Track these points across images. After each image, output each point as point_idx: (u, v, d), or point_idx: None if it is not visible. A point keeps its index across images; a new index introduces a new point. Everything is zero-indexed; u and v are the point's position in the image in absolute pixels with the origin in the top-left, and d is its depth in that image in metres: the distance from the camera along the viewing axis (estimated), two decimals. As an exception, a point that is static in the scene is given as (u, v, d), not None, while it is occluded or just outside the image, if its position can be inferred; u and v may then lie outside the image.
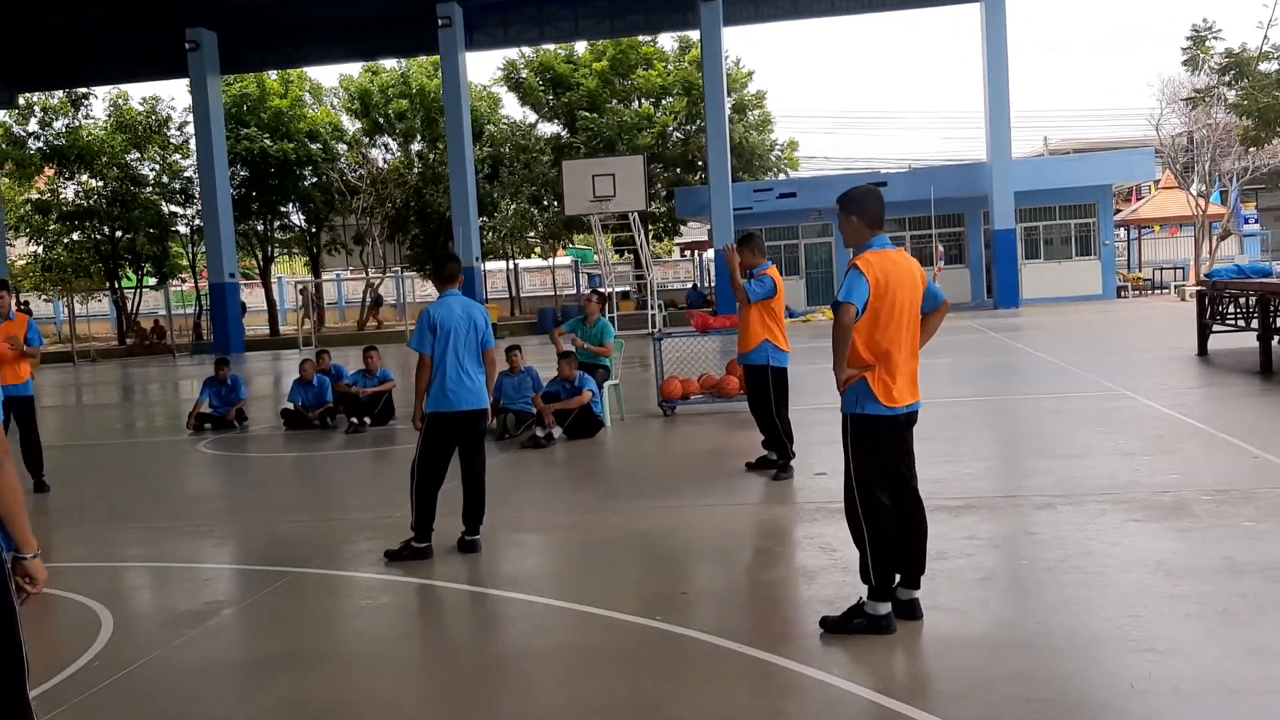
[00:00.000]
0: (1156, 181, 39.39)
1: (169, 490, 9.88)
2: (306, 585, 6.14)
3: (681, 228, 43.78)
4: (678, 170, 39.20)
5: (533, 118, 40.74)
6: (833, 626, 4.69)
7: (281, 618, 5.55)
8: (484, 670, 4.62)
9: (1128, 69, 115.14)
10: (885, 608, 4.67)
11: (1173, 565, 5.36)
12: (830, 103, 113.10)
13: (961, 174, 33.84)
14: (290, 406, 13.52)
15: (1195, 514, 6.31)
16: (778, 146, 41.63)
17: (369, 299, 41.93)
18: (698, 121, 36.69)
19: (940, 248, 31.32)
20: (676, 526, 7.02)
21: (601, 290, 18.54)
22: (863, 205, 4.78)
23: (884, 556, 4.69)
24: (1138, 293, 34.36)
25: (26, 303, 41.25)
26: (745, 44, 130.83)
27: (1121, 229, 39.86)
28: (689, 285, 45.85)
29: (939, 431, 10.08)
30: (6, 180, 38.76)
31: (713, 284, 33.29)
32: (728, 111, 33.01)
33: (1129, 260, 42.15)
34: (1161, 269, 37.49)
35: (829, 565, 5.77)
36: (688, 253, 50.97)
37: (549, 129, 40.50)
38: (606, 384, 11.85)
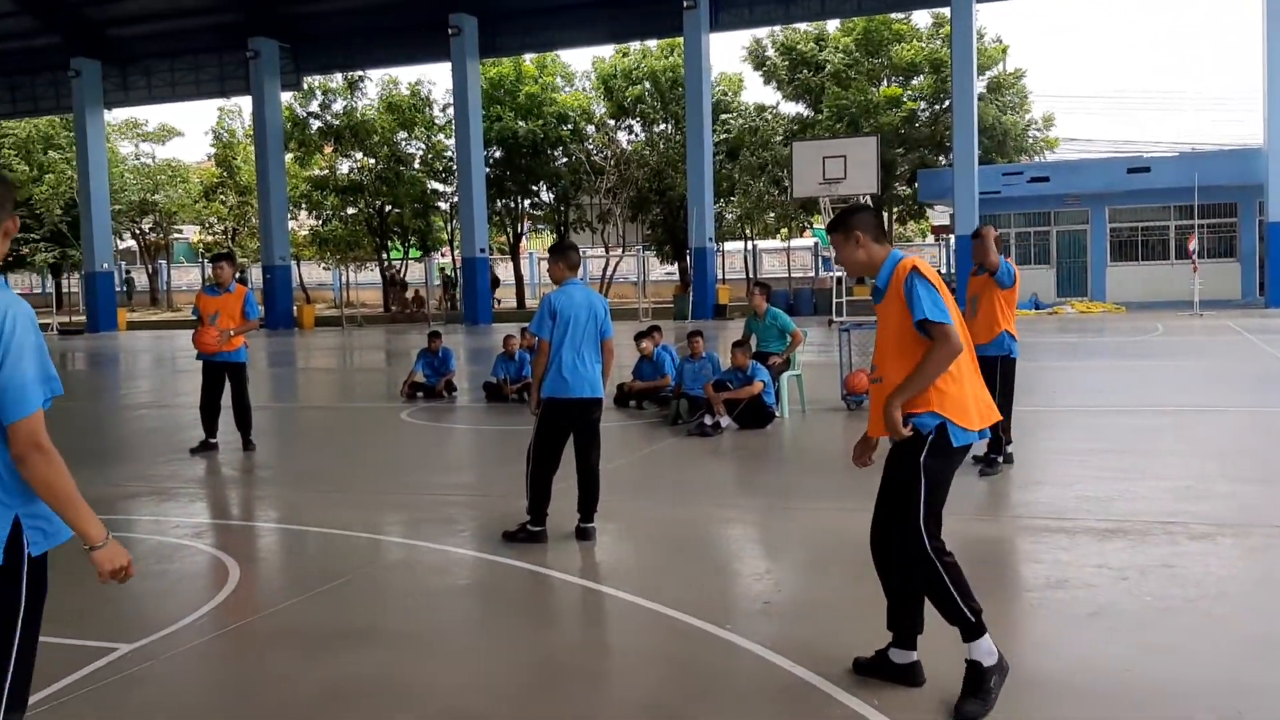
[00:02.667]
0: None
1: (358, 455, 10.51)
2: (420, 560, 6.37)
3: (928, 211, 42.26)
4: (925, 152, 37.83)
5: (776, 97, 40.42)
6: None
7: (380, 591, 5.79)
8: (536, 664, 4.65)
9: None
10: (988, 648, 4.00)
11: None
12: (1094, 83, 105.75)
13: (1234, 160, 30.90)
14: (493, 380, 14.08)
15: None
16: (1034, 126, 39.33)
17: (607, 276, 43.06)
18: (946, 101, 35.24)
19: (1194, 239, 28.68)
20: (811, 530, 6.80)
21: (764, 281, 18.25)
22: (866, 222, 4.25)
23: (965, 587, 4.06)
24: None
25: (243, 274, 45.00)
26: (1006, 21, 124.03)
27: None
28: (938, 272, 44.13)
29: (1135, 443, 9.32)
30: (290, 159, 42.18)
31: (953, 270, 31.95)
32: (979, 90, 31.51)
33: None
34: None
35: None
36: (936, 237, 49.09)
37: (792, 109, 40.05)
38: (786, 374, 11.63)
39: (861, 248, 4.17)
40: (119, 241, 50.52)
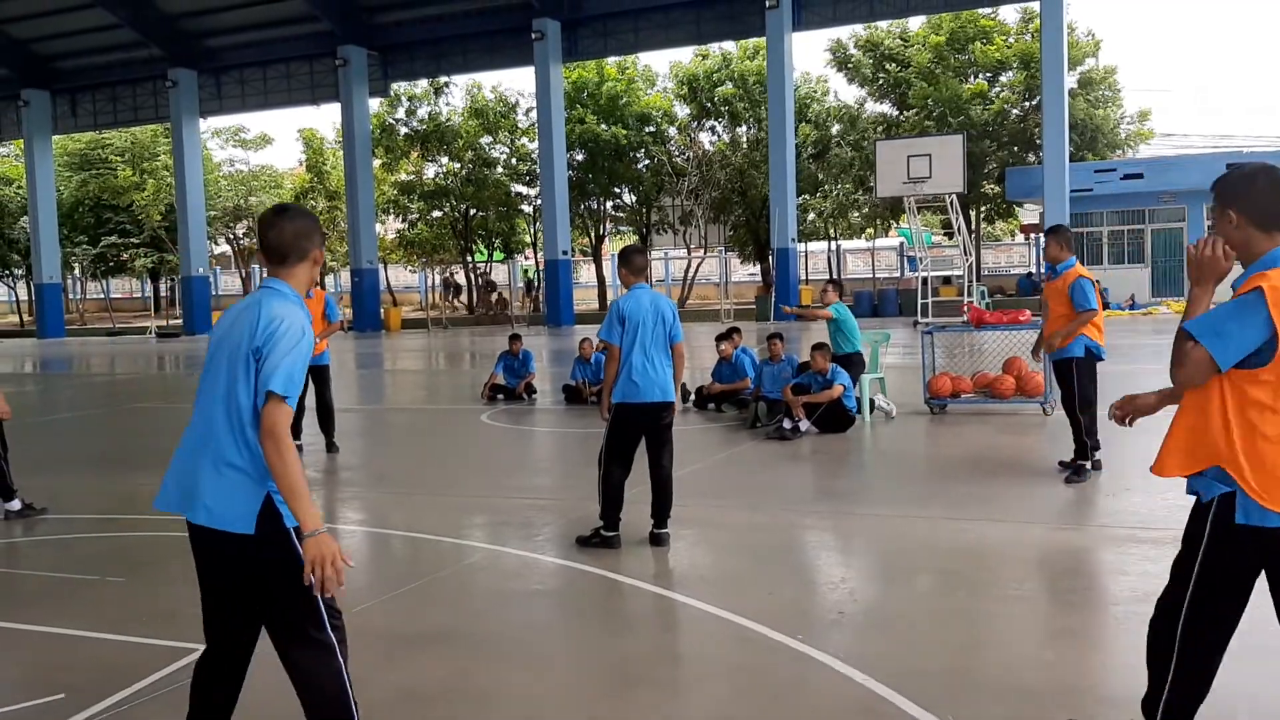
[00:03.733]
0: None
1: (439, 458, 10.64)
2: (498, 563, 6.41)
3: (1017, 209, 41.37)
4: (1015, 149, 37.05)
5: (860, 96, 39.94)
6: None
7: (458, 594, 5.83)
8: (607, 671, 4.63)
9: None
10: None
11: None
12: (1189, 76, 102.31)
13: (1343, 153, 29.68)
14: (572, 383, 14.14)
15: None
16: (1126, 120, 38.25)
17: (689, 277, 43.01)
18: (1036, 98, 34.48)
19: None
20: (889, 538, 6.68)
21: (836, 279, 18.04)
22: (1254, 196, 3.12)
23: (1189, 694, 3.29)
24: None
25: (323, 280, 45.84)
26: (1098, 14, 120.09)
27: None
28: (1025, 272, 43.22)
29: None
30: (378, 164, 42.95)
31: (1042, 270, 31.18)
32: (1070, 85, 30.76)
33: None
34: None
35: (1057, 609, 5.28)
36: (1025, 236, 48.03)
37: (876, 108, 39.55)
38: (866, 377, 11.46)
39: (1238, 229, 3.14)
40: (214, 246, 51.95)
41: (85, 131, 47.27)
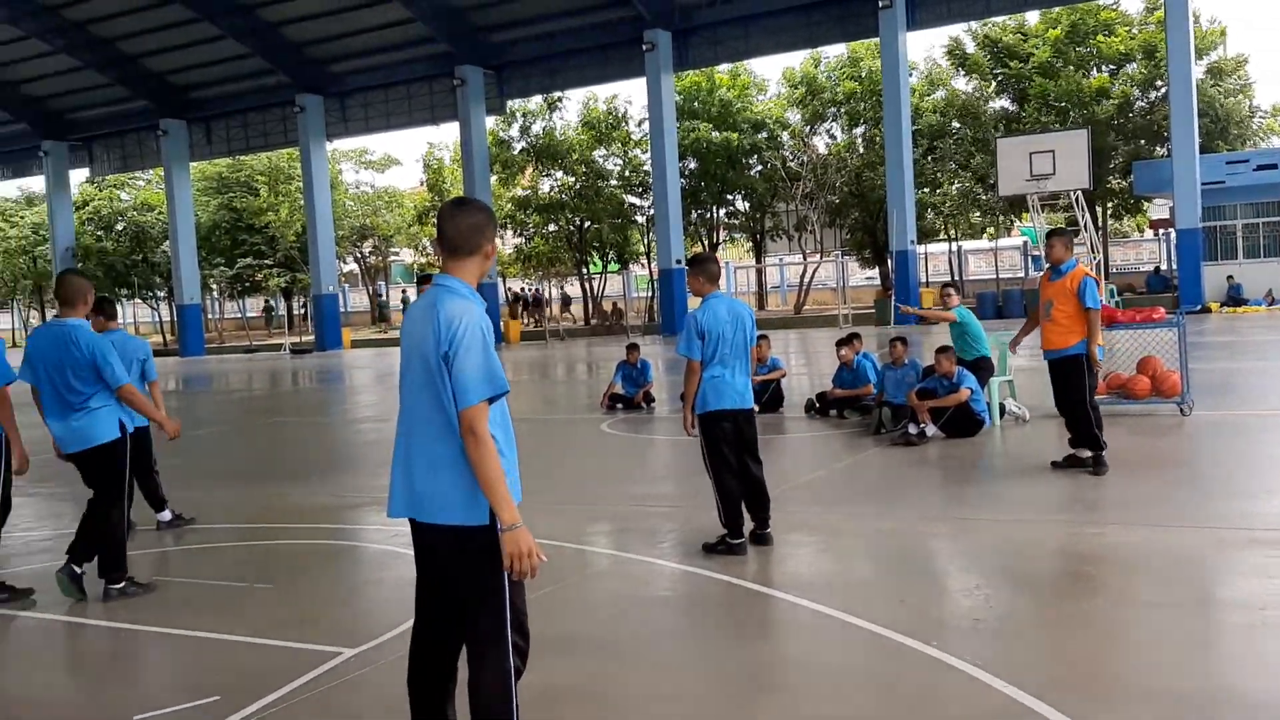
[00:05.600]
0: None
1: (561, 466, 10.76)
2: (623, 570, 6.47)
3: (1146, 204, 39.88)
4: (1141, 142, 35.74)
5: (977, 90, 39.00)
6: None
7: (584, 600, 5.90)
8: (741, 676, 4.63)
9: None
10: None
11: None
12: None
13: None
14: (691, 391, 14.15)
15: None
16: (1260, 113, 36.55)
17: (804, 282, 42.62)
18: (1162, 89, 33.21)
19: None
20: (1022, 544, 6.50)
21: (955, 281, 17.64)
22: None
23: None
24: None
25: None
26: (1224, 2, 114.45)
27: None
28: (1154, 268, 41.66)
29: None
30: (495, 180, 43.74)
31: (1174, 266, 30.05)
32: (1198, 75, 29.54)
33: None
34: None
35: (1188, 615, 5.10)
36: (1155, 231, 46.28)
37: (995, 104, 38.61)
38: (995, 380, 11.20)
39: None
40: (342, 265, 53.64)
41: (219, 158, 49.35)
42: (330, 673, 4.85)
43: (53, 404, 6.30)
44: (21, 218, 58.87)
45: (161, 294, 55.39)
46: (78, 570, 6.28)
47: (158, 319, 59.07)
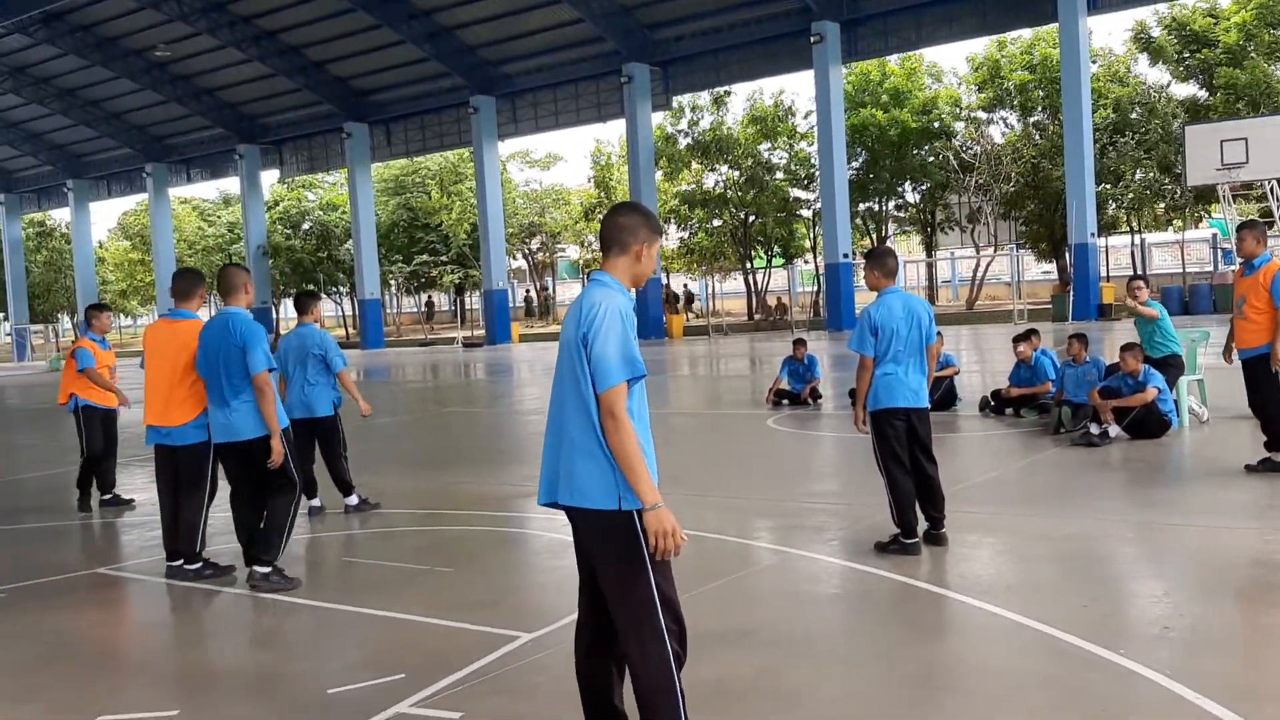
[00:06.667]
0: None
1: (727, 461, 10.79)
2: (792, 566, 6.44)
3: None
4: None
5: (1165, 79, 36.99)
6: None
7: (755, 595, 5.91)
8: (913, 678, 4.56)
9: None
10: None
11: None
12: None
13: None
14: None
15: None
16: None
17: (981, 281, 41.30)
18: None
19: None
20: (1212, 550, 6.19)
21: (1143, 275, 16.76)
22: None
23: None
24: None
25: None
26: None
27: None
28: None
29: None
30: (660, 176, 44.07)
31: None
32: None
33: None
34: None
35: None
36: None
37: (1184, 90, 36.54)
38: (1184, 379, 10.64)
39: None
40: (511, 261, 55.04)
41: (398, 159, 51.40)
42: (510, 654, 5.01)
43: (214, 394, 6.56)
44: (219, 218, 62.67)
45: (344, 289, 58.03)
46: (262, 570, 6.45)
47: (340, 313, 61.96)
